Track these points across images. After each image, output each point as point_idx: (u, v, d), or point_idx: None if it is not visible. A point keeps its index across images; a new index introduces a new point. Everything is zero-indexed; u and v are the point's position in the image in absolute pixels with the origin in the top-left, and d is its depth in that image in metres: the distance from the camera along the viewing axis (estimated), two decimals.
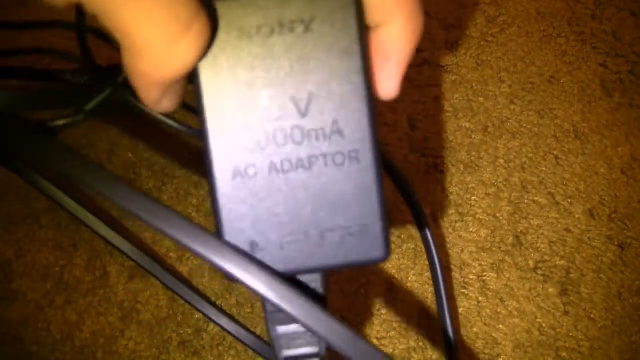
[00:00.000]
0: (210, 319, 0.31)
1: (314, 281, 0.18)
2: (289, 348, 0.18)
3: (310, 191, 0.16)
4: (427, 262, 0.32)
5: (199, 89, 0.16)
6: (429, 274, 0.32)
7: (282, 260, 0.16)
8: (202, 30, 0.14)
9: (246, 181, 0.16)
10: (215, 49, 0.15)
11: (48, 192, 0.32)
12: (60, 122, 0.27)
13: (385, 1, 0.16)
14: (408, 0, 0.16)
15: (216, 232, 0.16)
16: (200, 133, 0.16)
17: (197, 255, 0.15)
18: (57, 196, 0.33)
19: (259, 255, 0.16)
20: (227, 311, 0.32)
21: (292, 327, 0.18)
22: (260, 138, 0.16)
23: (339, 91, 0.16)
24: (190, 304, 0.31)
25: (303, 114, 0.16)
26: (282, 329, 0.18)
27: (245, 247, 0.16)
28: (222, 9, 0.15)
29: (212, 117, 0.16)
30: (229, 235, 0.16)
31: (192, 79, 0.16)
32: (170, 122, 0.24)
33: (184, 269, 0.33)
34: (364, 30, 0.16)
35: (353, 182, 0.16)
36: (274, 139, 0.16)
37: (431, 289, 0.32)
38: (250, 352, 0.31)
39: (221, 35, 0.15)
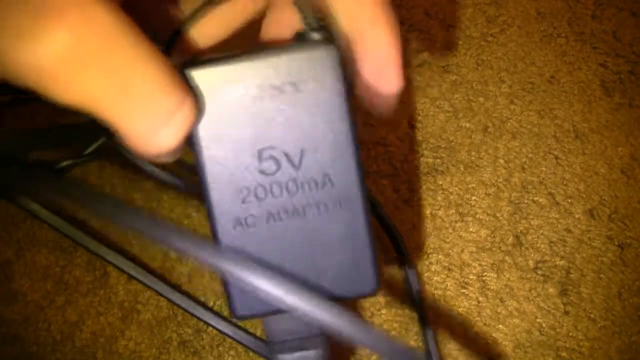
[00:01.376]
0: (209, 324, 0.31)
1: (312, 326, 0.19)
2: None
3: (306, 236, 0.18)
4: (426, 262, 0.32)
5: (197, 149, 0.17)
6: (428, 274, 0.32)
7: None
8: (185, 118, 0.15)
9: (246, 230, 0.17)
10: (212, 111, 0.17)
11: (47, 219, 0.33)
12: (64, 164, 0.29)
13: (364, 10, 0.17)
14: (382, 6, 0.17)
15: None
16: (201, 187, 0.17)
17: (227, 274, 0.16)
18: (55, 222, 0.33)
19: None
20: (227, 311, 0.32)
21: (297, 355, 0.19)
22: (258, 191, 0.17)
23: (328, 145, 0.17)
24: (188, 311, 0.31)
25: (297, 167, 0.17)
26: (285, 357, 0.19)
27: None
28: (216, 74, 0.17)
29: (212, 174, 0.17)
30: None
31: (189, 140, 0.17)
32: (165, 177, 0.24)
33: (184, 269, 0.33)
34: (349, 87, 0.17)
35: (345, 226, 0.18)
36: (270, 191, 0.17)
37: (431, 289, 0.32)
38: (251, 353, 0.31)
39: (217, 98, 0.17)
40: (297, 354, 0.19)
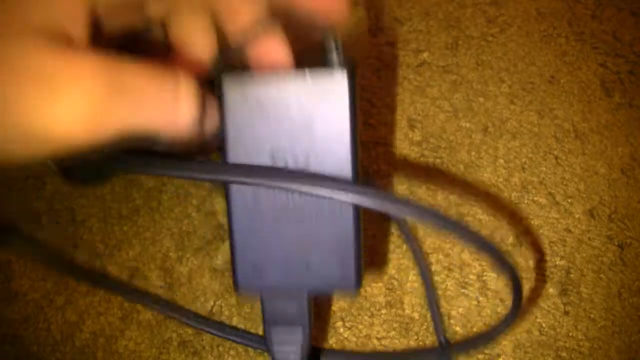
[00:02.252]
0: (211, 332, 0.31)
1: (300, 306, 0.22)
2: (279, 344, 0.23)
3: (303, 232, 0.21)
4: (426, 263, 0.32)
5: (224, 144, 0.21)
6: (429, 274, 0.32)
7: (279, 280, 0.22)
8: (188, 91, 0.19)
9: (256, 218, 0.21)
10: (239, 112, 0.20)
11: (43, 260, 0.33)
12: None
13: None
14: None
15: (231, 254, 0.22)
16: (224, 186, 0.21)
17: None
18: (53, 261, 0.33)
19: (263, 276, 0.22)
20: (227, 311, 0.32)
21: (285, 328, 0.23)
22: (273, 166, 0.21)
23: (332, 156, 0.20)
24: (189, 324, 0.31)
25: (306, 161, 0.20)
26: (276, 329, 0.23)
27: (250, 268, 0.21)
28: (247, 82, 0.20)
29: (234, 153, 0.21)
30: (241, 258, 0.21)
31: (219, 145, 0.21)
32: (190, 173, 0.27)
33: (183, 270, 0.33)
34: (355, 107, 0.20)
35: (336, 230, 0.21)
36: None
37: None
38: (251, 352, 0.31)
39: (245, 102, 0.20)
40: (286, 327, 0.23)
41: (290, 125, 0.20)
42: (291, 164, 0.20)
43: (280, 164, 0.20)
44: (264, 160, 0.20)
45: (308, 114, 0.20)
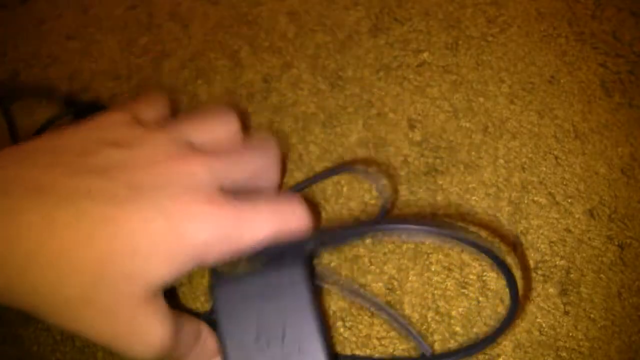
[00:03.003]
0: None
1: None
2: None
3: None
4: (426, 262, 0.32)
5: (219, 333, 0.26)
6: (429, 274, 0.32)
7: None
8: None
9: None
10: (230, 307, 0.26)
11: None
12: None
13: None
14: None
15: None
16: (220, 341, 0.26)
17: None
18: None
19: None
20: None
21: None
22: (258, 348, 0.26)
23: (302, 330, 0.26)
24: None
25: (282, 340, 0.26)
26: None
27: None
28: (234, 286, 0.27)
29: (230, 347, 0.26)
30: None
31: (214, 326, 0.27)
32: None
33: None
34: (315, 290, 0.27)
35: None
36: (265, 354, 0.26)
37: (431, 289, 0.32)
38: None
39: (233, 302, 0.26)
40: None
41: (266, 312, 0.26)
42: (272, 342, 0.26)
43: (264, 343, 0.26)
44: (251, 342, 0.26)
45: (279, 302, 0.26)
